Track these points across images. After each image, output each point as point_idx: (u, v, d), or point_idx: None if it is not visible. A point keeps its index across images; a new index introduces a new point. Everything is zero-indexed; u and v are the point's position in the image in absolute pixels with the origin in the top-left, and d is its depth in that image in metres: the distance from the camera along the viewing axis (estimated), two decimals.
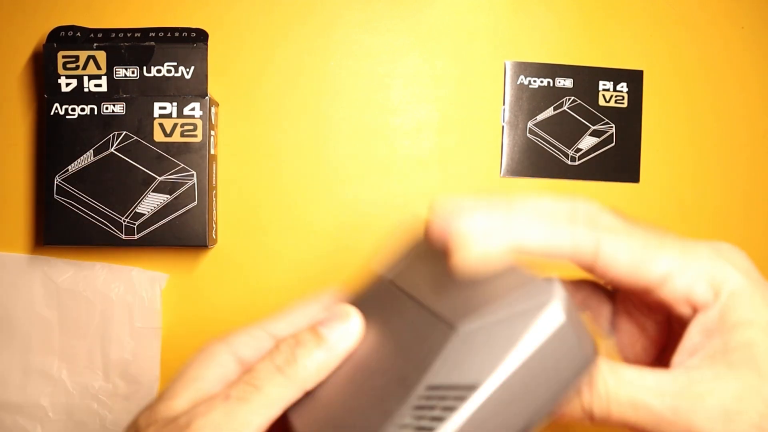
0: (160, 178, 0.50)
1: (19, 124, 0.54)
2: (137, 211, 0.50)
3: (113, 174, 0.50)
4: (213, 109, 0.52)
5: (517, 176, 0.57)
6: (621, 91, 0.58)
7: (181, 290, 0.55)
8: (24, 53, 0.54)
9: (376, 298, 0.27)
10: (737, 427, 0.21)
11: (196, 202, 0.50)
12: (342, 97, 0.56)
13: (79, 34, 0.50)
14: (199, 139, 0.50)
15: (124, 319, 0.53)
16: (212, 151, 0.52)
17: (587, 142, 0.57)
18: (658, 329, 0.27)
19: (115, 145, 0.50)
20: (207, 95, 0.50)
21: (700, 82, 0.58)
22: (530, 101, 0.57)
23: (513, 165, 0.57)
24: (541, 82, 0.57)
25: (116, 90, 0.50)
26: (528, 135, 0.57)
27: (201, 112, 0.50)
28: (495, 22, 0.57)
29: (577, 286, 0.30)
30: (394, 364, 0.23)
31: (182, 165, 0.50)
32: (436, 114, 0.56)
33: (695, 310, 0.23)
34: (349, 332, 0.25)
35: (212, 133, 0.52)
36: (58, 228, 0.50)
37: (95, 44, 0.50)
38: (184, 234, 0.50)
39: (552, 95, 0.57)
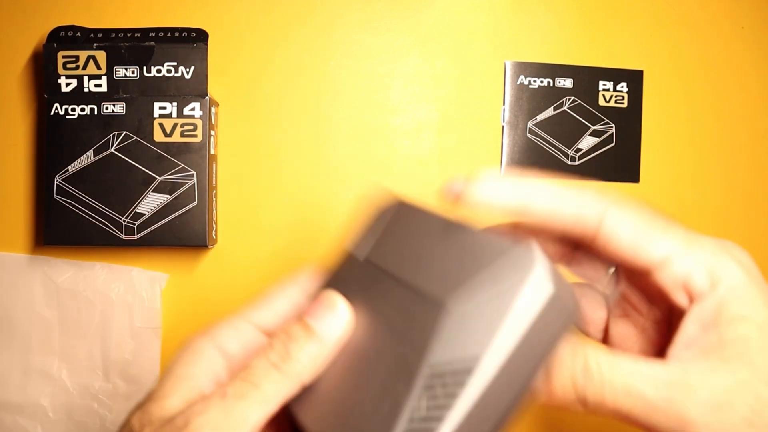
0: (160, 178, 0.50)
1: (19, 124, 0.54)
2: (137, 211, 0.50)
3: (113, 174, 0.50)
4: (213, 109, 0.52)
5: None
6: (621, 91, 0.58)
7: (181, 290, 0.55)
8: (24, 53, 0.54)
9: (356, 279, 0.27)
10: (728, 419, 0.21)
11: (196, 202, 0.50)
12: (342, 97, 0.56)
13: (79, 34, 0.50)
14: (199, 139, 0.50)
15: (124, 319, 0.53)
16: (212, 151, 0.52)
17: (587, 142, 0.57)
18: (656, 330, 0.27)
19: (115, 145, 0.50)
20: (207, 95, 0.50)
21: (700, 82, 0.58)
22: (530, 101, 0.57)
23: (513, 165, 0.57)
24: (541, 82, 0.57)
25: (116, 90, 0.50)
26: (528, 135, 0.57)
27: (201, 112, 0.50)
28: (495, 22, 0.57)
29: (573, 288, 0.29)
30: (391, 349, 0.23)
31: (182, 165, 0.50)
32: (436, 114, 0.56)
33: (691, 300, 0.23)
34: (338, 322, 0.25)
35: (212, 133, 0.52)
36: (58, 228, 0.50)
37: (95, 44, 0.50)
38: (184, 234, 0.50)
39: (552, 95, 0.57)
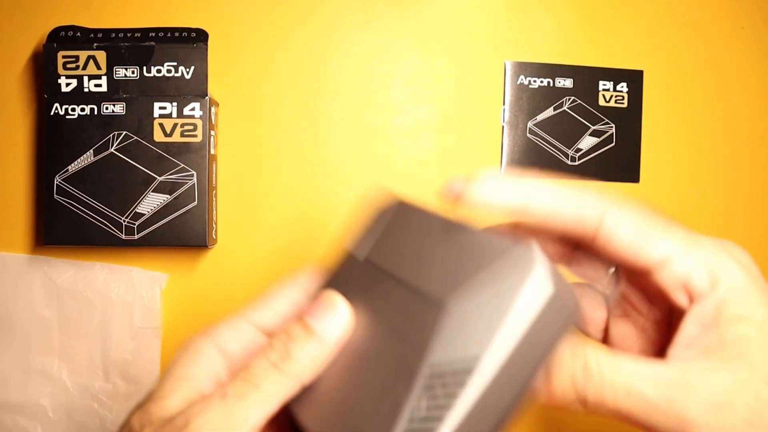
0: (160, 178, 0.50)
1: (19, 124, 0.54)
2: (137, 211, 0.50)
3: (113, 174, 0.50)
4: (213, 109, 0.52)
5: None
6: (621, 91, 0.58)
7: (181, 290, 0.55)
8: (24, 53, 0.54)
9: (356, 279, 0.27)
10: (728, 419, 0.21)
11: (196, 202, 0.50)
12: (342, 97, 0.56)
13: (79, 34, 0.50)
14: (199, 139, 0.50)
15: (124, 319, 0.53)
16: (212, 151, 0.52)
17: (587, 142, 0.57)
18: (656, 330, 0.27)
19: (115, 145, 0.50)
20: (207, 95, 0.50)
21: (700, 82, 0.58)
22: (530, 101, 0.57)
23: (513, 165, 0.57)
24: (541, 82, 0.57)
25: (116, 90, 0.50)
26: (528, 135, 0.57)
27: (201, 112, 0.50)
28: (495, 22, 0.57)
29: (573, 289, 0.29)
30: (391, 349, 0.23)
31: (182, 165, 0.50)
32: (436, 114, 0.56)
33: (691, 300, 0.23)
34: (338, 322, 0.25)
35: (212, 133, 0.52)
36: (58, 228, 0.50)
37: (95, 44, 0.50)
38: (184, 234, 0.50)
39: (552, 95, 0.57)
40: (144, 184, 0.50)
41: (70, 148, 0.50)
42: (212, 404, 0.23)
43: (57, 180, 0.50)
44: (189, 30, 0.50)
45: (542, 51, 0.57)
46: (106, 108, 0.50)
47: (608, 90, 0.57)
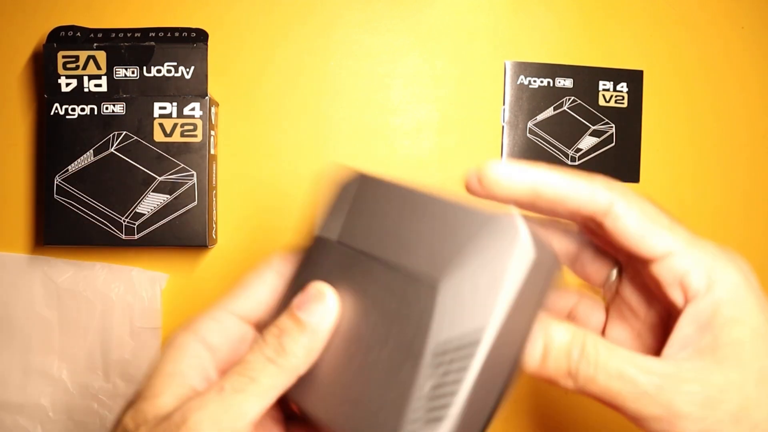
0: (160, 178, 0.50)
1: (19, 124, 0.54)
2: (137, 211, 0.50)
3: (113, 174, 0.50)
4: (213, 109, 0.52)
5: None
6: (621, 91, 0.58)
7: (181, 290, 0.55)
8: (24, 53, 0.54)
9: (335, 264, 0.26)
10: (715, 414, 0.22)
11: (196, 202, 0.50)
12: (342, 97, 0.56)
13: (79, 34, 0.50)
14: (199, 139, 0.50)
15: (124, 319, 0.53)
16: (212, 151, 0.52)
17: (587, 142, 0.57)
18: (652, 335, 0.28)
19: (115, 145, 0.50)
20: (207, 95, 0.50)
21: (700, 82, 0.58)
22: (530, 101, 0.57)
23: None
24: (541, 82, 0.57)
25: (116, 90, 0.50)
26: (528, 135, 0.57)
27: (201, 112, 0.50)
28: (495, 22, 0.57)
29: (570, 293, 0.30)
30: (390, 333, 0.23)
31: (182, 165, 0.50)
32: (436, 114, 0.56)
33: (686, 299, 0.24)
34: (327, 312, 0.25)
35: (212, 133, 0.52)
36: (58, 228, 0.50)
37: (95, 44, 0.50)
38: (184, 234, 0.50)
39: (552, 95, 0.57)
40: (144, 184, 0.50)
41: (70, 148, 0.50)
42: (210, 399, 0.23)
43: (57, 180, 0.50)
44: (189, 30, 0.50)
45: (542, 51, 0.57)
46: (106, 108, 0.50)
47: (608, 90, 0.57)
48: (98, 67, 0.50)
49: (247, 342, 0.28)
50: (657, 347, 0.27)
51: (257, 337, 0.26)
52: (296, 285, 0.27)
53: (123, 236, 0.50)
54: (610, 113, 0.58)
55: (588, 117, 0.57)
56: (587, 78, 0.57)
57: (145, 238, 0.50)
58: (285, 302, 0.27)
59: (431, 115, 0.56)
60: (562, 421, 0.57)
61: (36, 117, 0.54)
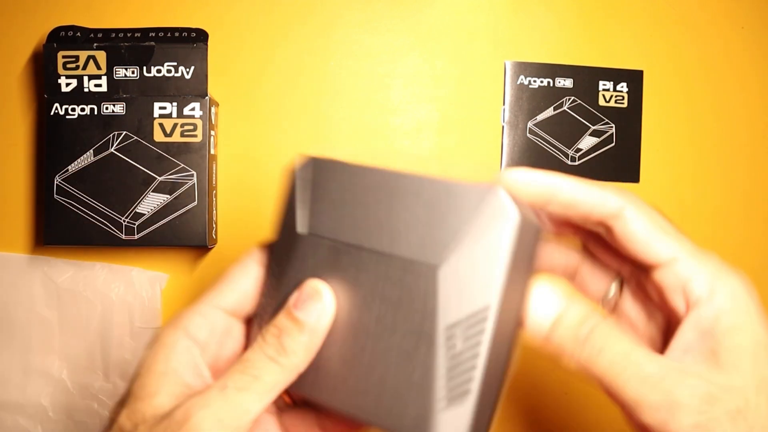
0: (160, 178, 0.50)
1: (19, 124, 0.54)
2: (137, 211, 0.50)
3: (113, 174, 0.50)
4: (213, 109, 0.52)
5: None
6: (621, 91, 0.58)
7: (181, 290, 0.55)
8: (24, 53, 0.54)
9: (318, 257, 0.26)
10: (713, 410, 0.22)
11: (196, 202, 0.50)
12: (342, 97, 0.56)
13: (79, 34, 0.50)
14: (199, 139, 0.50)
15: (124, 319, 0.53)
16: (212, 151, 0.52)
17: (587, 142, 0.57)
18: (652, 348, 0.28)
19: (115, 145, 0.50)
20: (207, 95, 0.50)
21: (700, 82, 0.58)
22: (530, 101, 0.57)
23: (513, 165, 0.57)
24: (541, 82, 0.57)
25: (116, 90, 0.50)
26: (528, 135, 0.57)
27: (201, 112, 0.50)
28: (495, 22, 0.57)
29: (573, 253, 0.30)
30: (397, 320, 0.24)
31: (182, 165, 0.50)
32: (436, 114, 0.56)
33: (687, 307, 0.24)
34: (325, 310, 0.26)
35: (212, 133, 0.52)
36: (58, 228, 0.50)
37: (95, 44, 0.50)
38: (184, 234, 0.50)
39: (552, 95, 0.57)
40: (144, 184, 0.50)
41: (70, 148, 0.50)
42: (213, 397, 0.24)
43: (57, 180, 0.50)
44: (189, 30, 0.50)
45: (542, 51, 0.57)
46: (106, 108, 0.50)
47: (608, 90, 0.57)
48: (98, 67, 0.50)
49: (234, 336, 0.28)
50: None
51: (257, 335, 0.26)
52: (282, 281, 0.27)
53: (123, 236, 0.50)
54: (610, 113, 0.58)
55: (588, 117, 0.57)
56: (587, 78, 0.57)
57: (145, 238, 0.50)
58: (271, 297, 0.27)
59: (431, 115, 0.56)
60: (561, 421, 0.57)
61: (36, 117, 0.54)
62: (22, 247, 0.54)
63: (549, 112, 0.57)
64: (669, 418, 0.22)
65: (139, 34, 0.50)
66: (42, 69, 0.50)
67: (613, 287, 0.29)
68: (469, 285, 0.23)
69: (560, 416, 0.57)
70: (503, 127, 0.57)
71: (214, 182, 0.53)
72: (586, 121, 0.57)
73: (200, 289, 0.55)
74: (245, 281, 0.28)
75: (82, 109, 0.50)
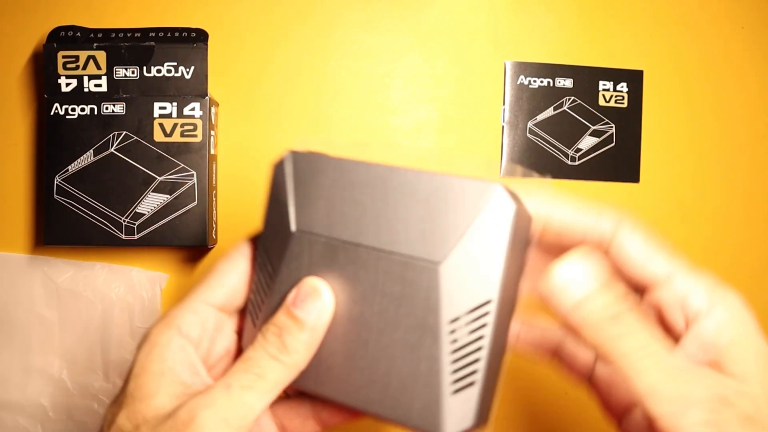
0: (160, 178, 0.50)
1: (19, 124, 0.54)
2: (137, 211, 0.50)
3: (113, 174, 0.50)
4: (213, 109, 0.52)
5: (517, 176, 0.57)
6: (621, 91, 0.58)
7: (181, 290, 0.55)
8: (24, 53, 0.54)
9: (314, 254, 0.26)
10: (726, 410, 0.22)
11: (196, 202, 0.50)
12: (342, 97, 0.56)
13: (79, 34, 0.50)
14: (199, 139, 0.50)
15: (124, 319, 0.53)
16: (212, 151, 0.52)
17: (587, 142, 0.57)
18: None
19: (115, 145, 0.50)
20: (207, 95, 0.50)
21: (700, 82, 0.58)
22: (530, 101, 0.57)
23: (513, 165, 0.57)
24: (541, 82, 0.57)
25: (116, 90, 0.50)
26: (528, 135, 0.57)
27: (201, 112, 0.50)
28: (495, 22, 0.57)
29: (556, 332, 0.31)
30: (400, 314, 0.24)
31: (182, 165, 0.50)
32: (436, 114, 0.56)
33: (686, 324, 0.24)
34: (324, 307, 0.26)
35: (212, 133, 0.52)
36: (58, 228, 0.50)
37: (95, 44, 0.50)
38: (184, 234, 0.50)
39: (552, 95, 0.57)
40: (144, 184, 0.50)
41: (70, 148, 0.50)
42: (217, 396, 0.24)
43: (57, 180, 0.50)
44: (189, 30, 0.50)
45: (542, 51, 0.57)
46: (106, 108, 0.50)
47: (608, 90, 0.57)
48: (98, 67, 0.50)
49: (224, 332, 0.28)
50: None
51: (257, 333, 0.26)
52: (276, 278, 0.27)
53: (123, 236, 0.50)
54: (610, 113, 0.58)
55: (588, 117, 0.57)
56: (587, 78, 0.57)
57: (145, 238, 0.50)
58: (264, 293, 0.27)
59: (431, 115, 0.56)
60: (562, 421, 0.57)
61: (36, 117, 0.54)
62: (22, 247, 0.54)
63: (549, 112, 0.57)
64: (681, 412, 0.22)
65: (139, 34, 0.50)
66: (42, 69, 0.50)
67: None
68: (471, 280, 0.23)
69: (560, 416, 0.57)
70: (503, 127, 0.57)
71: (214, 182, 0.53)
72: (586, 121, 0.57)
73: None
74: (234, 276, 0.28)
75: (82, 109, 0.50)
